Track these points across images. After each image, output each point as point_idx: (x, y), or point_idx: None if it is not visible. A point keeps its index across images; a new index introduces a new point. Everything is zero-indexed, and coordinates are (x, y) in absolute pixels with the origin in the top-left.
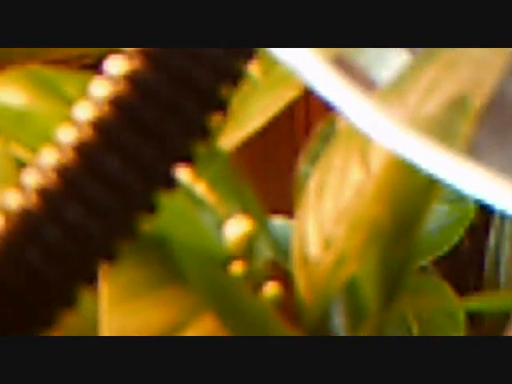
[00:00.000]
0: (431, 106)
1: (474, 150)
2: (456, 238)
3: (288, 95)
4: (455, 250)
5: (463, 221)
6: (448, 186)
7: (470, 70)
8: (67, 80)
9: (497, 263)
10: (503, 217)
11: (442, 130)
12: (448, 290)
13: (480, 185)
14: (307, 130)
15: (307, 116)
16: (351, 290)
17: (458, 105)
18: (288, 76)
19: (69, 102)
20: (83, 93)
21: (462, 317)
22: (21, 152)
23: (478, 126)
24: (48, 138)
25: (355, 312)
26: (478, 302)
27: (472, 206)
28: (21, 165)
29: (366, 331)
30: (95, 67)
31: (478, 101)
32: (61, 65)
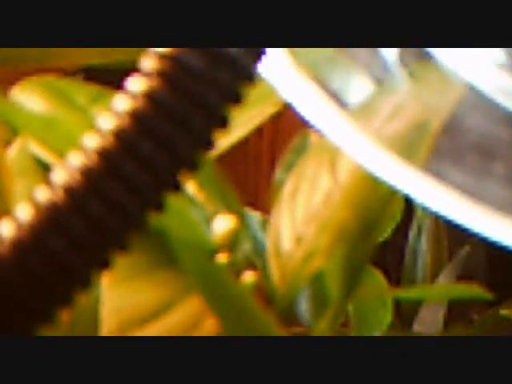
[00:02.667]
0: (395, 127)
1: (432, 167)
2: (389, 231)
3: (269, 110)
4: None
5: (395, 217)
6: (405, 195)
7: (432, 98)
8: (77, 90)
9: (415, 253)
10: (424, 212)
11: (404, 148)
12: (382, 280)
13: (437, 199)
14: (281, 145)
15: (281, 133)
16: (318, 281)
17: (420, 127)
18: (269, 93)
19: (81, 110)
20: (94, 103)
21: (389, 302)
22: (47, 154)
23: (434, 146)
24: (72, 144)
25: (320, 300)
26: (403, 293)
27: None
28: (45, 165)
29: (328, 317)
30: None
31: (436, 124)
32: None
